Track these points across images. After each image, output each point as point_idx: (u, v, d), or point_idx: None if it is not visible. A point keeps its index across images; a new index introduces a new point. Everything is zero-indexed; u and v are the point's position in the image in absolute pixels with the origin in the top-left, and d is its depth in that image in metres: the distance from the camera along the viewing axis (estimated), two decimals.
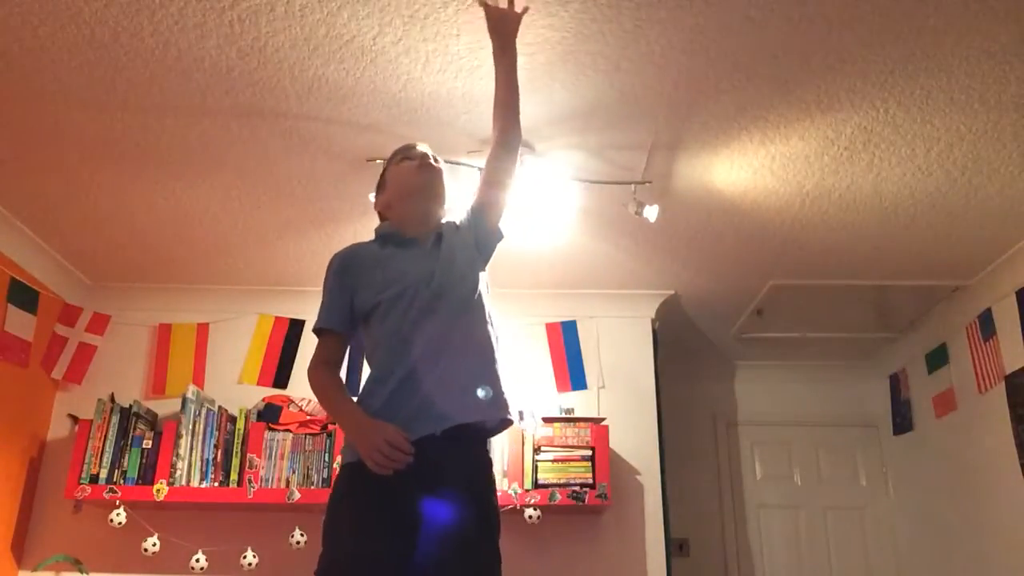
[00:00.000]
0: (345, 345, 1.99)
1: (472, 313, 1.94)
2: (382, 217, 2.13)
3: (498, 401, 1.88)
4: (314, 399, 3.56)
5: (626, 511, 3.60)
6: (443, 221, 2.07)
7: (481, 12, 2.06)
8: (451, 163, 2.73)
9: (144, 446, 3.35)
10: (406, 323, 1.87)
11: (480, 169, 2.19)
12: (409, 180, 2.05)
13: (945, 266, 3.56)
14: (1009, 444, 3.48)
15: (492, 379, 1.89)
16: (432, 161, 2.07)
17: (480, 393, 1.86)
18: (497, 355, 1.94)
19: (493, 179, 2.04)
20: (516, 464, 3.36)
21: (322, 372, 1.95)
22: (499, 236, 2.09)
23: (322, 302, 1.98)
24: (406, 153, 2.09)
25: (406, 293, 1.89)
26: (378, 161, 2.70)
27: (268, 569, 3.37)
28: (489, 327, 1.96)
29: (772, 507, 4.80)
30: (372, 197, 2.67)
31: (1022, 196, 2.97)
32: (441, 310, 1.89)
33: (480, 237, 2.05)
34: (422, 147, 2.10)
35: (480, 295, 1.97)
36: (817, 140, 2.66)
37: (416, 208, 2.04)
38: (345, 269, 1.98)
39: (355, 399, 1.90)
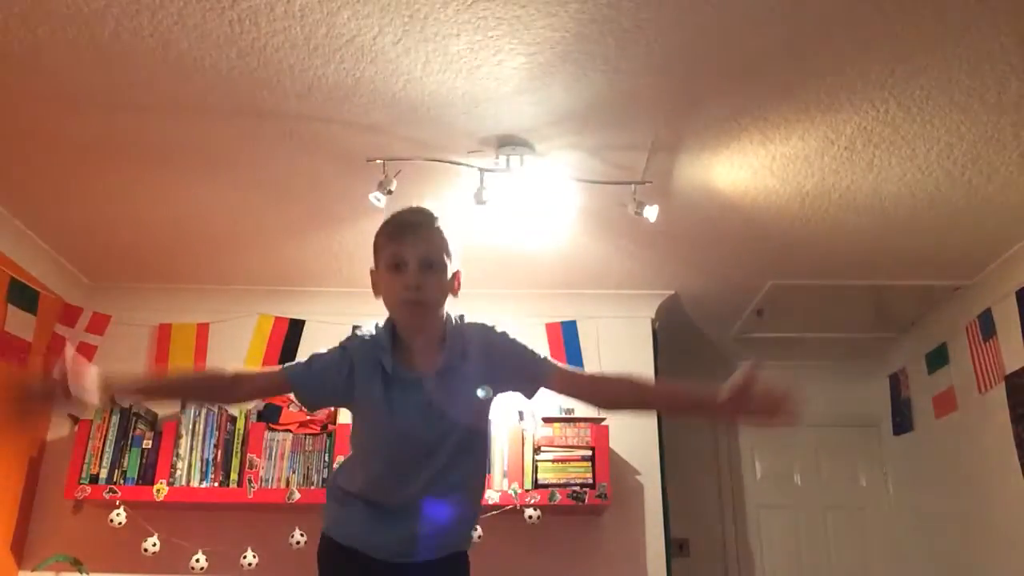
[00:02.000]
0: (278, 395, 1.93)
1: (474, 452, 1.83)
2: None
3: (470, 534, 1.93)
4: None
5: (626, 511, 3.60)
6: (458, 323, 1.79)
7: (481, 11, 2.06)
8: (451, 163, 2.74)
9: (144, 446, 3.35)
10: (400, 460, 1.76)
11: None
12: (395, 311, 1.73)
13: (945, 266, 3.56)
14: (1009, 444, 3.48)
15: (474, 517, 1.93)
16: (419, 295, 1.68)
17: (459, 530, 1.86)
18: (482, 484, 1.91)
19: (619, 391, 1.88)
20: (516, 464, 3.36)
21: (214, 373, 1.87)
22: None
23: (313, 362, 1.77)
24: (393, 256, 1.70)
25: (404, 436, 1.74)
26: (378, 161, 2.70)
27: (268, 569, 3.37)
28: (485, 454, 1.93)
29: (772, 507, 4.80)
30: (372, 198, 2.69)
31: (1022, 196, 2.97)
32: (441, 451, 1.75)
33: (531, 389, 1.82)
34: (415, 249, 1.69)
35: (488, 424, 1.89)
36: (817, 140, 2.66)
37: (409, 335, 1.77)
38: (349, 365, 1.74)
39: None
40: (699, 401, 1.83)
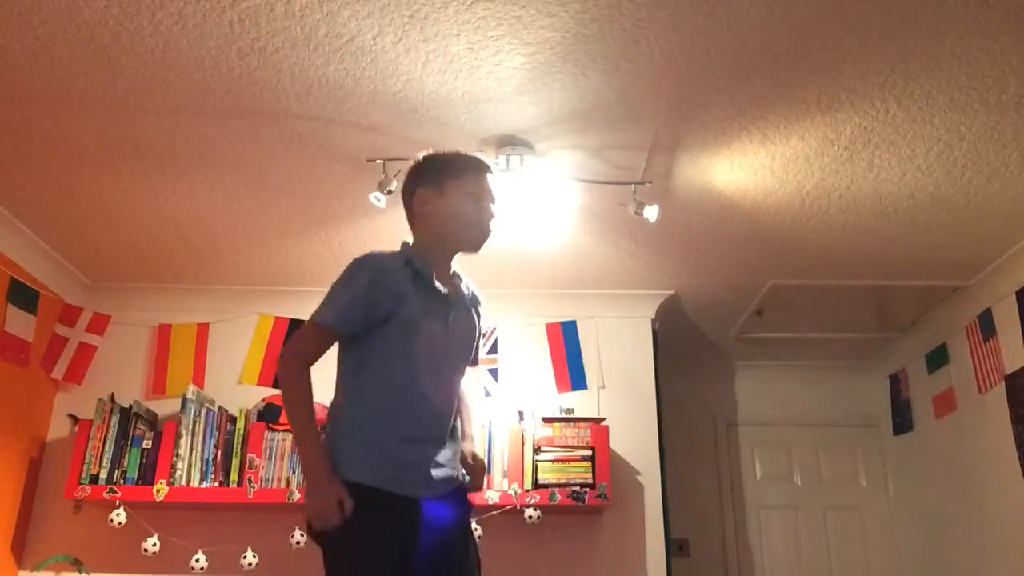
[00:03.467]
0: (330, 348, 1.96)
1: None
2: (415, 221, 2.05)
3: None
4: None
5: (626, 511, 3.60)
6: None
7: (481, 11, 2.07)
8: None
9: (144, 446, 3.35)
10: (443, 369, 1.98)
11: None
12: (466, 232, 2.01)
13: (945, 266, 3.56)
14: (1009, 444, 3.48)
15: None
16: (492, 224, 2.04)
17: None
18: None
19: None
20: (516, 464, 3.36)
21: (306, 378, 1.90)
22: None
23: (338, 295, 1.90)
24: (480, 189, 2.01)
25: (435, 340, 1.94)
26: (378, 161, 2.70)
27: (268, 569, 3.37)
28: None
29: (772, 507, 4.80)
30: (372, 198, 2.69)
31: (1022, 196, 2.97)
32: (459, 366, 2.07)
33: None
34: (490, 185, 2.04)
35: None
36: (817, 140, 2.66)
37: (444, 263, 2.04)
38: (379, 282, 1.89)
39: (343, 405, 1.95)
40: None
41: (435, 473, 1.90)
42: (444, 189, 1.98)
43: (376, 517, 1.79)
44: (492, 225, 2.02)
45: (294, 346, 1.92)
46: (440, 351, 1.95)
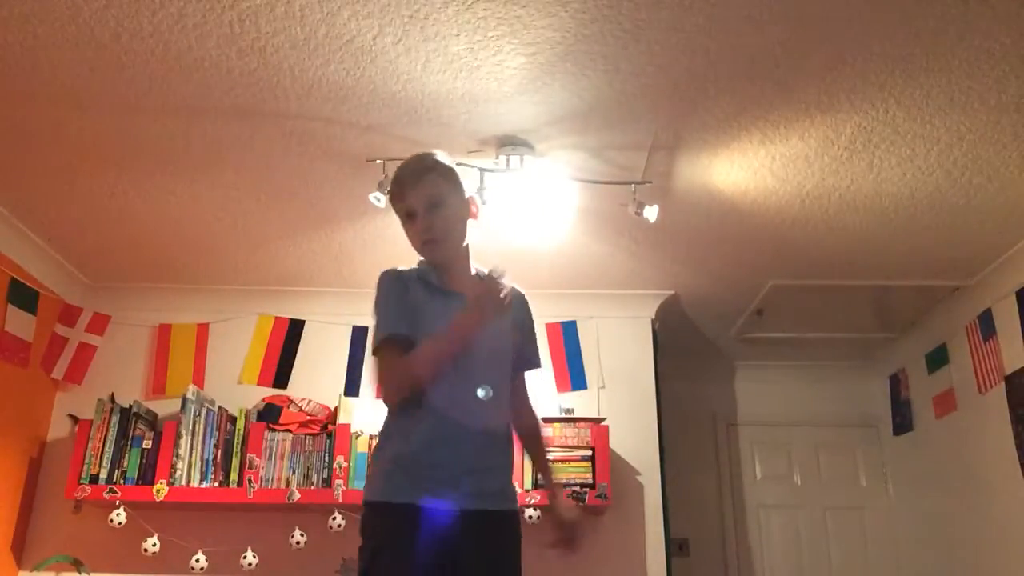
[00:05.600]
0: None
1: (504, 383, 1.98)
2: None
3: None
4: (314, 399, 3.57)
5: (626, 511, 3.60)
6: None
7: (481, 11, 2.07)
8: None
9: (144, 446, 3.35)
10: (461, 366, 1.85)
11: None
12: (420, 254, 1.96)
13: (945, 266, 3.56)
14: (1009, 444, 3.48)
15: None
16: (430, 234, 1.90)
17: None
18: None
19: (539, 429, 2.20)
20: (516, 464, 3.35)
21: (406, 358, 1.81)
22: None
23: (388, 307, 1.86)
24: (403, 208, 1.92)
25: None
26: (378, 161, 2.70)
27: (268, 569, 3.37)
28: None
29: (772, 507, 4.80)
30: (372, 198, 2.69)
31: (1022, 196, 2.97)
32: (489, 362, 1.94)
33: (515, 364, 2.07)
34: (417, 196, 1.89)
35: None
36: (817, 140, 2.66)
37: (445, 271, 1.96)
38: (404, 284, 1.89)
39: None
40: (544, 482, 2.21)
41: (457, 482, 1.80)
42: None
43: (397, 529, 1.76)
44: (426, 238, 1.89)
45: (383, 389, 1.86)
46: (465, 353, 1.84)
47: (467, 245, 2.00)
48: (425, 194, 1.90)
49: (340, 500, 3.24)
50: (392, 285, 1.90)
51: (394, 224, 2.59)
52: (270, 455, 3.35)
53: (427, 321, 1.84)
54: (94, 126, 2.63)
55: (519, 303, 2.06)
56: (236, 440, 3.40)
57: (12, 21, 2.16)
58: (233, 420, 3.45)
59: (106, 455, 3.32)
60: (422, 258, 1.97)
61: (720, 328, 4.37)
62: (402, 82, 2.39)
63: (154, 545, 3.26)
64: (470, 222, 1.98)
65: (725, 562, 4.68)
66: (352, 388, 3.71)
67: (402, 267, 1.95)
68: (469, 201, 1.98)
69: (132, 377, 3.74)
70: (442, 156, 1.97)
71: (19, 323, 3.40)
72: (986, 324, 3.64)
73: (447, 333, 1.80)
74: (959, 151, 2.70)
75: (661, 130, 2.62)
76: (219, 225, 3.27)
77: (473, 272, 2.00)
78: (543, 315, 3.86)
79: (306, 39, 2.22)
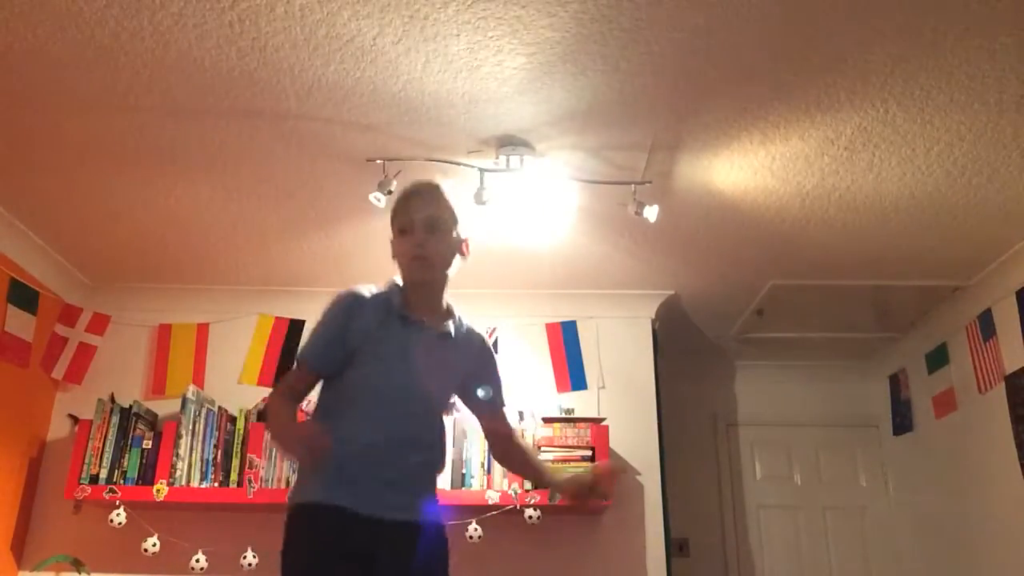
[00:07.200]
0: (316, 384, 1.93)
1: (441, 424, 1.99)
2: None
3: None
4: (314, 398, 3.56)
5: (626, 511, 3.60)
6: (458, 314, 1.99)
7: (481, 12, 2.06)
8: (451, 163, 2.74)
9: (144, 446, 3.35)
10: (403, 400, 1.87)
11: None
12: (404, 268, 1.93)
13: (945, 266, 3.56)
14: (1009, 444, 3.48)
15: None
16: (422, 251, 1.88)
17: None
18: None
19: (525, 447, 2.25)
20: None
21: (285, 400, 1.91)
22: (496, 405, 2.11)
23: (318, 333, 1.90)
24: (402, 222, 1.92)
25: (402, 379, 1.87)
26: (378, 161, 2.70)
27: (268, 569, 3.37)
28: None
29: (772, 507, 4.80)
30: (372, 198, 2.69)
31: (1022, 196, 2.97)
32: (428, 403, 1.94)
33: (477, 407, 2.09)
34: (420, 213, 1.90)
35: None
36: (817, 140, 2.66)
37: (416, 294, 1.93)
38: (351, 312, 1.88)
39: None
40: (546, 481, 2.23)
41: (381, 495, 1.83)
42: (393, 234, 1.97)
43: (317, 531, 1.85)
44: (417, 252, 1.88)
45: (270, 399, 1.98)
46: (401, 377, 1.87)
47: (446, 278, 1.96)
48: (428, 213, 1.91)
49: None
50: (338, 314, 1.88)
51: None
52: (270, 455, 3.35)
53: (373, 342, 1.86)
54: (94, 126, 2.63)
55: (477, 348, 2.05)
56: (236, 440, 3.40)
57: (12, 21, 2.16)
58: (233, 420, 3.45)
59: (106, 455, 3.32)
60: (395, 278, 1.96)
61: (720, 328, 4.37)
62: (402, 82, 2.39)
63: (154, 545, 3.26)
64: (457, 259, 1.96)
65: (725, 562, 4.68)
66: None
67: (365, 289, 1.92)
68: (465, 240, 1.97)
69: (132, 377, 3.74)
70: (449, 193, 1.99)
71: (19, 323, 3.40)
72: (986, 324, 3.64)
73: (286, 430, 1.88)
74: (959, 151, 2.70)
75: (661, 130, 2.62)
76: (219, 225, 3.27)
77: (444, 307, 1.97)
78: (543, 315, 3.88)
79: (306, 39, 2.22)
